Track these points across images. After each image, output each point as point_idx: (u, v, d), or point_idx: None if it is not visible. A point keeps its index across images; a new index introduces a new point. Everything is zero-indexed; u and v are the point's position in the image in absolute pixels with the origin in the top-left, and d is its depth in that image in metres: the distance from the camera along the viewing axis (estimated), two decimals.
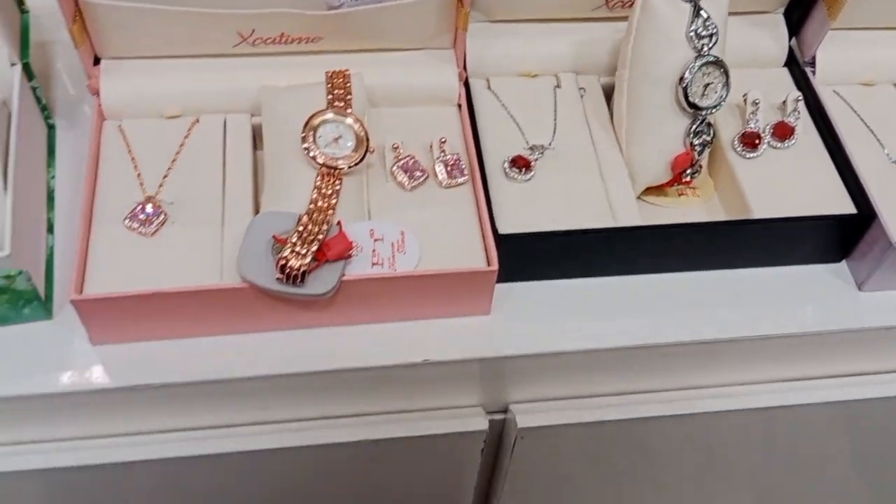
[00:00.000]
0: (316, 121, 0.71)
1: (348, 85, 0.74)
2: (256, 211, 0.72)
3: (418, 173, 0.74)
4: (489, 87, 0.81)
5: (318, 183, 0.70)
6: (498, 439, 0.80)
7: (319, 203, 0.69)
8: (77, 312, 0.65)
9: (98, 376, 0.66)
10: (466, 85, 0.79)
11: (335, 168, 0.70)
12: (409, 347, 0.70)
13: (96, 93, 0.75)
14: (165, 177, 0.72)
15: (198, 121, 0.76)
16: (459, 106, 0.79)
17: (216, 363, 0.67)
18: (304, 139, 0.71)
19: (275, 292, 0.65)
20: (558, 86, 0.81)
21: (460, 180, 0.74)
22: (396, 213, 0.72)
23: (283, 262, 0.64)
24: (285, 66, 0.77)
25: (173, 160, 0.73)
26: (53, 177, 0.76)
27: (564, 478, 0.85)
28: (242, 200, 0.72)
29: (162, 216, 0.70)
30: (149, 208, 0.70)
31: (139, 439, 0.70)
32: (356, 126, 0.71)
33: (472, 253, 0.70)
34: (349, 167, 0.71)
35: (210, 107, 0.77)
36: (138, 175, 0.72)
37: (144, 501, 0.76)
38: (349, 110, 0.72)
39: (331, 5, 0.73)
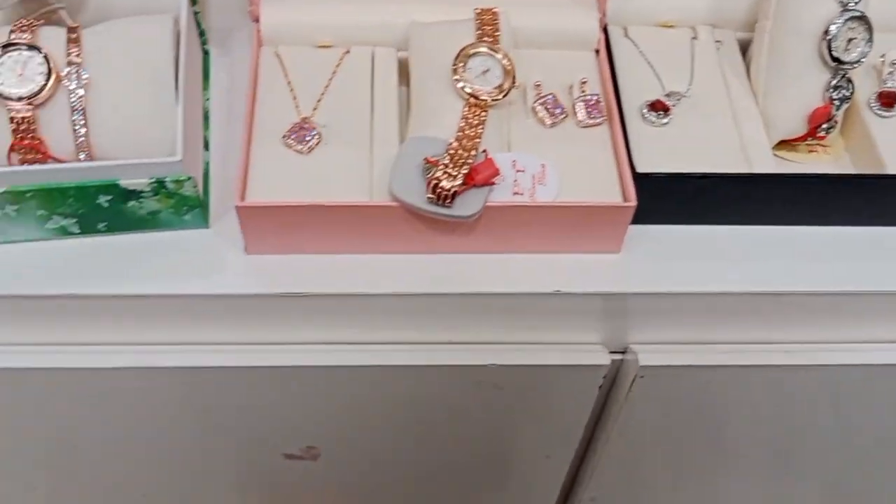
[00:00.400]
0: (467, 52, 0.74)
1: (496, 22, 0.76)
2: (402, 138, 0.75)
3: (558, 111, 0.76)
4: (627, 35, 0.82)
5: (465, 112, 0.73)
6: (612, 381, 0.82)
7: (467, 131, 0.71)
8: (238, 219, 0.69)
9: (251, 282, 0.70)
10: (605, 32, 0.81)
11: (481, 99, 0.73)
12: (541, 278, 0.72)
13: (256, 19, 0.79)
14: (319, 101, 0.76)
15: (348, 51, 0.80)
16: (597, 52, 0.81)
17: (359, 279, 0.71)
18: (454, 70, 0.73)
19: (424, 211, 0.68)
20: (695, 37, 0.82)
21: (598, 120, 0.76)
22: (535, 148, 0.74)
23: (436, 182, 0.67)
24: (433, 3, 0.80)
25: (326, 87, 0.77)
26: (208, 99, 0.80)
27: (671, 426, 0.87)
28: (389, 127, 0.75)
29: (316, 136, 0.73)
30: (305, 127, 0.73)
31: (282, 348, 0.74)
32: (504, 61, 0.74)
33: (608, 190, 0.73)
34: (493, 100, 0.73)
35: (360, 39, 0.80)
36: (294, 98, 0.76)
37: (281, 406, 0.80)
38: (497, 45, 0.75)
39: None
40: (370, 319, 0.74)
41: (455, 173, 0.68)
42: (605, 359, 0.76)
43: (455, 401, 0.80)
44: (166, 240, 0.72)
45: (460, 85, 0.73)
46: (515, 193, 0.71)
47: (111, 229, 0.71)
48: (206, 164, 0.76)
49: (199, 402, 0.78)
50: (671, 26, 0.83)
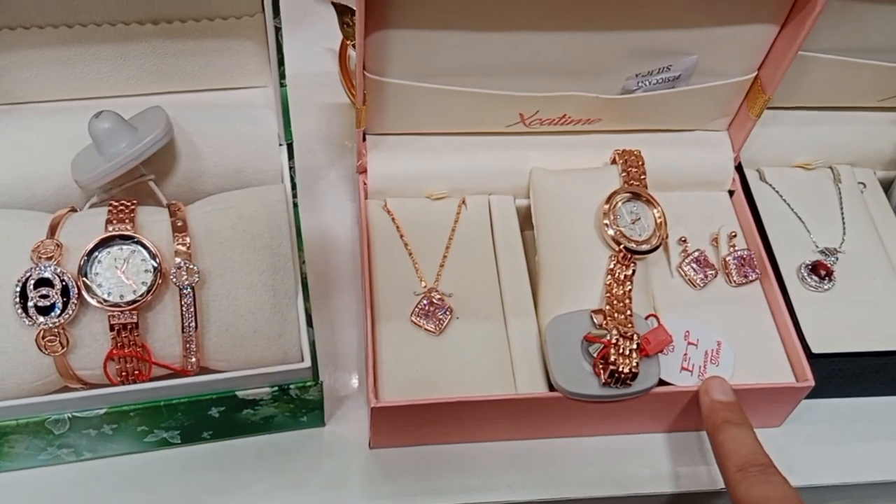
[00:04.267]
0: (617, 198, 0.66)
1: (642, 164, 0.69)
2: (535, 302, 0.67)
3: (710, 271, 0.68)
4: (764, 179, 0.75)
5: (610, 266, 0.64)
6: None
7: (615, 289, 0.63)
8: (370, 418, 0.60)
9: (381, 485, 0.62)
10: (739, 171, 0.74)
11: (632, 251, 0.65)
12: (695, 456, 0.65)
13: (363, 171, 0.70)
14: (442, 266, 0.67)
15: (464, 202, 0.71)
16: (730, 192, 0.74)
17: (504, 472, 0.63)
18: (604, 216, 0.65)
19: (597, 398, 0.60)
20: (836, 179, 0.75)
21: (752, 278, 0.68)
22: (686, 312, 0.67)
23: (613, 367, 0.59)
24: (549, 148, 0.72)
25: (447, 247, 0.69)
26: (304, 262, 0.70)
27: None
28: (521, 292, 0.67)
29: (448, 313, 0.64)
30: (435, 302, 0.65)
31: None
32: (656, 212, 0.66)
33: (774, 363, 0.65)
34: (643, 253, 0.65)
35: (474, 187, 0.72)
36: (414, 262, 0.67)
37: None
38: (648, 192, 0.67)
39: (627, 89, 0.67)
40: None
41: (628, 351, 0.59)
42: None
43: None
44: (279, 443, 0.63)
45: (610, 232, 0.65)
46: (684, 369, 0.64)
47: (216, 437, 0.62)
48: (313, 345, 0.66)
49: None
50: (809, 167, 0.76)
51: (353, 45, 0.83)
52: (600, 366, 0.59)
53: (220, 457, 0.62)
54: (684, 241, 0.69)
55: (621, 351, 0.59)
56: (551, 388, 0.62)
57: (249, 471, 0.61)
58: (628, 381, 0.59)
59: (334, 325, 0.69)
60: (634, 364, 0.59)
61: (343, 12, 0.81)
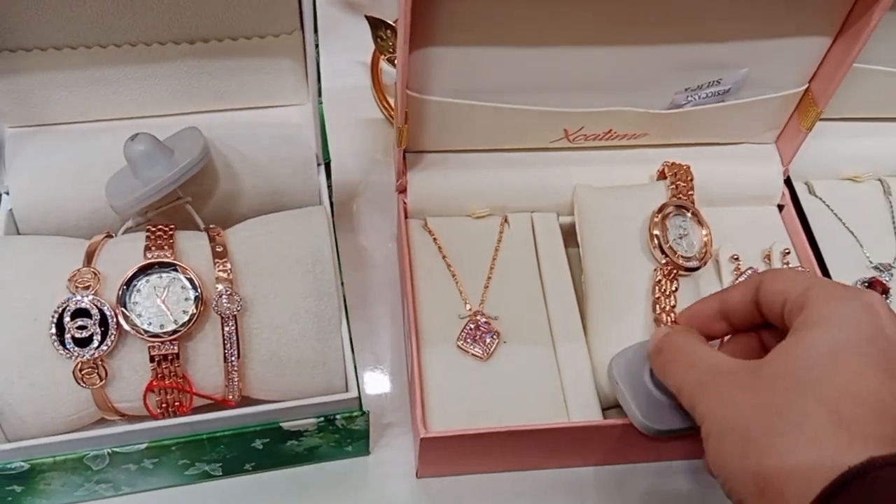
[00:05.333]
0: (666, 211, 0.64)
1: (691, 180, 0.67)
2: (583, 320, 0.65)
3: None
4: (813, 192, 0.73)
5: (656, 279, 0.62)
6: None
7: (662, 303, 0.61)
8: (418, 448, 0.58)
9: None
10: (788, 185, 0.72)
11: (678, 267, 0.63)
12: None
13: (402, 191, 0.68)
14: (486, 287, 0.65)
15: (506, 221, 0.69)
16: (779, 207, 0.72)
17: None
18: (653, 226, 0.63)
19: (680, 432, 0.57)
20: (887, 192, 0.73)
21: None
22: None
23: None
24: (597, 162, 0.70)
25: (491, 267, 0.66)
26: (343, 283, 0.68)
27: None
28: (568, 311, 0.65)
29: (495, 336, 0.62)
30: (482, 326, 0.62)
31: None
32: (703, 230, 0.64)
33: None
34: (689, 269, 0.63)
35: (515, 204, 0.70)
36: (458, 284, 0.65)
37: None
38: (696, 209, 0.65)
39: (676, 103, 0.65)
40: None
41: None
42: None
43: None
44: (323, 473, 0.61)
45: (657, 245, 0.63)
46: None
47: (258, 469, 0.60)
48: (358, 373, 0.63)
49: None
50: (858, 180, 0.74)
51: (388, 59, 0.82)
52: None
53: (263, 489, 0.60)
54: (736, 258, 0.67)
55: None
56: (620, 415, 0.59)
57: (293, 503, 0.59)
58: None
59: (374, 348, 0.67)
60: None
61: (377, 26, 0.79)
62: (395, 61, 0.80)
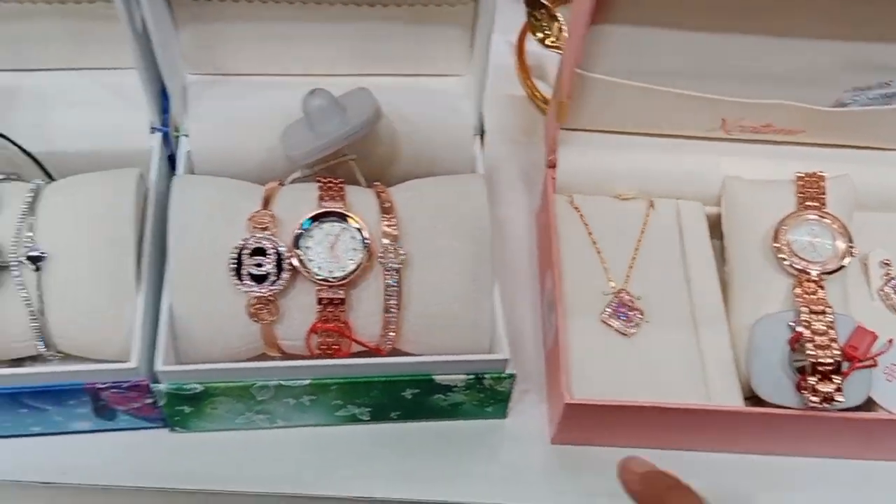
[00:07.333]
0: (791, 221, 0.64)
1: (822, 185, 0.66)
2: (726, 313, 0.65)
3: None
4: None
5: (796, 289, 0.62)
6: None
7: (813, 307, 0.61)
8: (558, 414, 0.59)
9: (564, 482, 0.61)
10: None
11: (808, 274, 0.63)
12: None
13: (552, 165, 0.69)
14: (631, 268, 0.66)
15: (652, 205, 0.70)
16: None
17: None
18: (775, 239, 0.64)
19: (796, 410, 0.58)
20: None
21: None
22: (886, 337, 0.63)
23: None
24: (748, 155, 0.70)
25: (636, 249, 0.68)
26: None
27: None
28: (711, 301, 0.65)
29: (638, 313, 0.64)
30: (626, 304, 0.64)
31: None
32: (836, 226, 0.64)
33: None
34: (822, 276, 0.63)
35: (661, 190, 0.70)
36: (603, 262, 0.67)
37: None
38: (825, 211, 0.65)
39: (841, 102, 0.65)
40: None
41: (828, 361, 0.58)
42: None
43: None
44: (462, 430, 0.63)
45: (782, 256, 0.63)
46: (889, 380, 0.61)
47: (403, 418, 0.62)
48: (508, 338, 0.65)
49: None
50: None
51: (539, 40, 0.84)
52: (807, 378, 0.58)
53: (404, 437, 0.62)
54: (887, 263, 0.66)
55: (820, 360, 0.58)
56: (753, 402, 0.61)
57: (432, 454, 0.62)
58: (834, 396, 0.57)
59: (513, 319, 0.69)
60: (833, 389, 0.57)
61: (534, 6, 0.81)
62: (547, 41, 0.82)
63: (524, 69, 0.86)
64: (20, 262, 0.55)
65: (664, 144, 0.70)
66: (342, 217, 0.58)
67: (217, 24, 0.64)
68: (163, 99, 0.66)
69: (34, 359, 0.60)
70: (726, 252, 0.68)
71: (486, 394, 0.60)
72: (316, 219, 0.57)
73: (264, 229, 0.57)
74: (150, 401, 0.57)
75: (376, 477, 0.60)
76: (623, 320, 0.63)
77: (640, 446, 0.63)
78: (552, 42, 0.81)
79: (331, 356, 0.58)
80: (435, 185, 0.62)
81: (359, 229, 0.57)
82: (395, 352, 0.60)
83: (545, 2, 0.81)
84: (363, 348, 0.59)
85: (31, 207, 0.57)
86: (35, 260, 0.55)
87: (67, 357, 0.59)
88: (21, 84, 0.65)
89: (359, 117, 0.61)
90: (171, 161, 0.67)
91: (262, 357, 0.60)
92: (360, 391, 0.58)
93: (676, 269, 0.67)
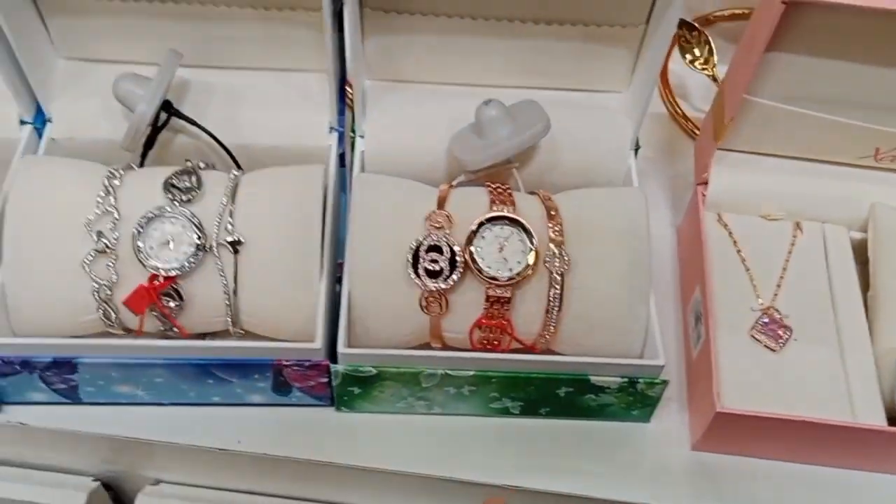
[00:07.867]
0: None
1: None
2: (872, 337, 0.67)
3: None
4: None
5: None
6: None
7: None
8: (705, 422, 0.62)
9: (706, 489, 0.64)
10: None
11: None
12: None
13: (703, 182, 0.72)
14: (779, 286, 0.68)
15: (799, 227, 0.72)
16: None
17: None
18: None
19: None
20: None
21: None
22: None
23: None
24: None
25: (784, 268, 0.69)
26: None
27: None
28: (857, 325, 0.67)
29: (787, 331, 0.66)
30: (775, 321, 0.66)
31: None
32: None
33: None
34: None
35: (807, 213, 0.72)
36: (752, 280, 0.69)
37: None
38: None
39: None
40: None
41: None
42: None
43: None
44: (606, 431, 0.66)
45: None
46: None
47: (551, 415, 0.65)
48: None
49: None
50: None
51: (691, 61, 0.86)
52: None
53: (551, 433, 0.65)
54: None
55: None
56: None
57: (577, 453, 0.65)
58: None
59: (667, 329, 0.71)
60: None
61: (688, 28, 0.83)
62: (696, 63, 0.85)
63: (667, 87, 0.88)
64: (222, 245, 0.61)
65: (814, 169, 0.72)
66: (512, 221, 0.61)
67: (402, 36, 0.69)
68: (339, 102, 0.71)
69: (213, 334, 0.66)
70: (871, 276, 0.69)
71: (636, 397, 0.63)
72: (488, 221, 0.61)
73: (440, 228, 0.61)
74: (324, 380, 0.62)
75: (525, 469, 0.64)
76: (771, 336, 0.65)
77: (779, 458, 0.65)
78: (701, 64, 0.84)
79: (490, 351, 0.62)
80: (596, 195, 0.65)
81: (527, 233, 0.61)
82: (548, 351, 0.63)
83: (694, 23, 0.84)
84: (518, 345, 0.63)
85: (232, 196, 0.62)
86: (235, 244, 0.61)
87: (248, 334, 0.65)
88: (217, 81, 0.71)
89: (530, 129, 0.65)
90: (341, 159, 0.72)
91: (424, 347, 0.64)
92: (519, 385, 0.62)
93: (822, 291, 0.69)
